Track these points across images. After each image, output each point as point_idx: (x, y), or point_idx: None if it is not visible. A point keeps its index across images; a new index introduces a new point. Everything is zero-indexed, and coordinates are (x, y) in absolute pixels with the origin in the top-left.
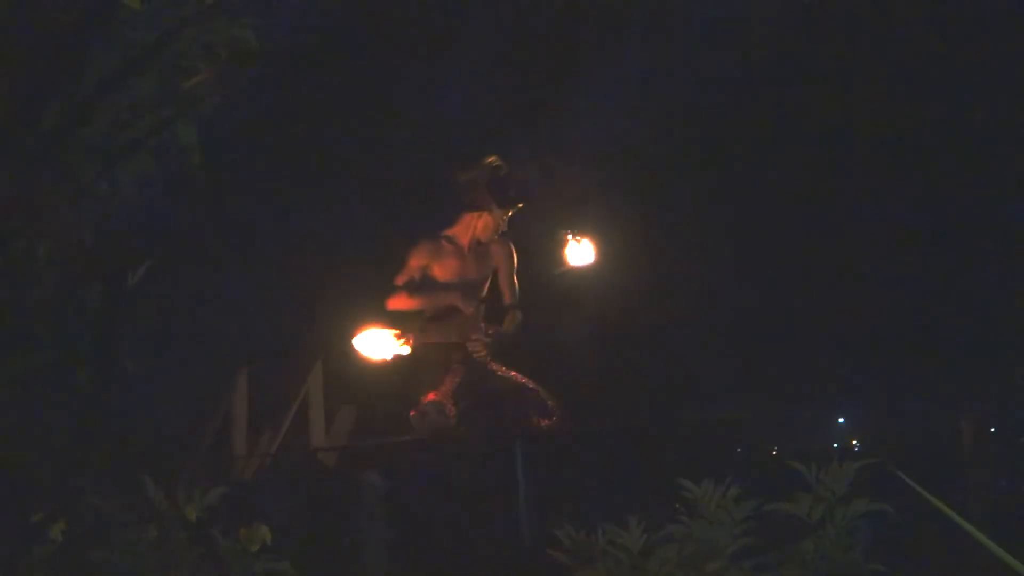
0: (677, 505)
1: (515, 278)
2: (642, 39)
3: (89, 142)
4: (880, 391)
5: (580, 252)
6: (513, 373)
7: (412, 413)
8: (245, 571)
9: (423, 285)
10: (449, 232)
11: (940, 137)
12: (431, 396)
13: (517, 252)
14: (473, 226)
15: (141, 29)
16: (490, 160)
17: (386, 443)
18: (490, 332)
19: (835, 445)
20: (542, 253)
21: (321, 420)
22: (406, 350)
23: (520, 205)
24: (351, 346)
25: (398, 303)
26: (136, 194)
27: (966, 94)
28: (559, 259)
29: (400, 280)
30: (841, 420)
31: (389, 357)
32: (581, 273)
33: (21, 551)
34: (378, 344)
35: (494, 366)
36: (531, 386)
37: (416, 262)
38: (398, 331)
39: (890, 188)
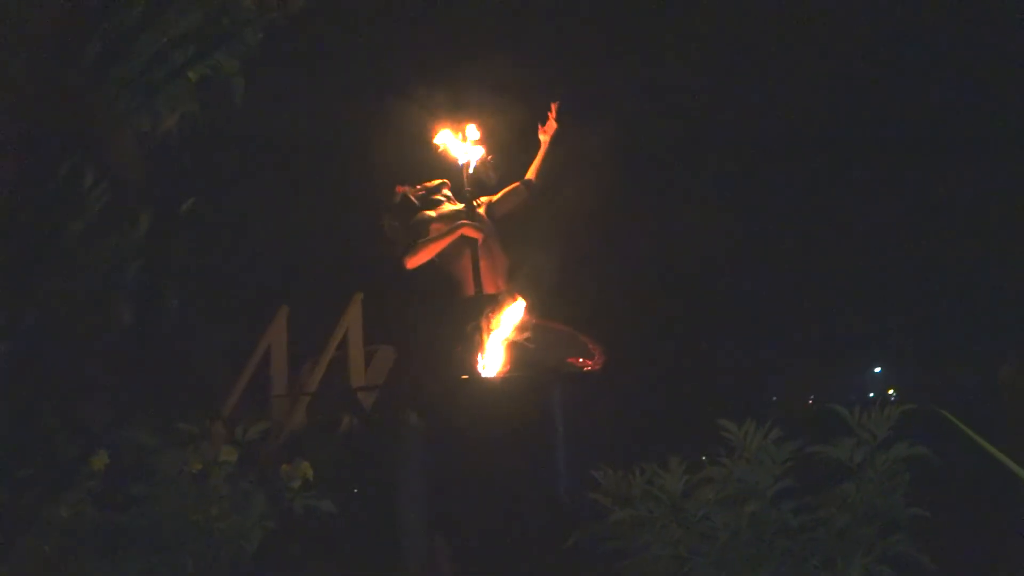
0: (719, 449)
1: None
2: None
3: (130, 75)
4: (918, 340)
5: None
6: (550, 322)
7: (458, 348)
8: (286, 506)
9: (430, 231)
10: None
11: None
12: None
13: None
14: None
15: None
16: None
17: (424, 383)
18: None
19: (871, 394)
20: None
21: (360, 360)
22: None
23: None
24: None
25: (417, 259)
26: (178, 129)
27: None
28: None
29: (411, 237)
30: (878, 370)
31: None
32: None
33: (61, 484)
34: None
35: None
36: (570, 332)
37: (421, 216)
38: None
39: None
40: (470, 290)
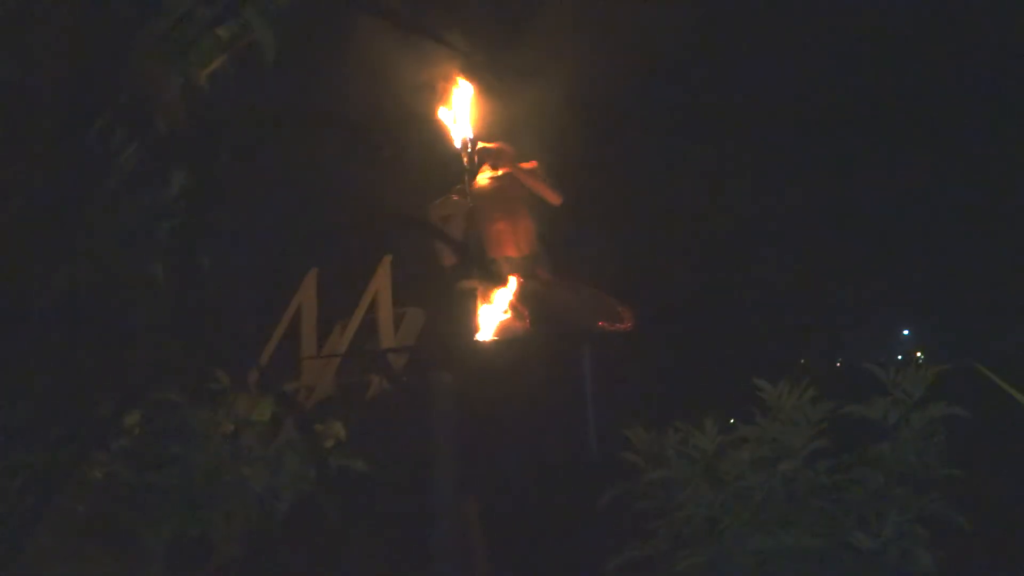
0: (752, 408)
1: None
2: None
3: (160, 31)
4: (947, 302)
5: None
6: (578, 283)
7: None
8: (320, 466)
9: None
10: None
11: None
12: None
13: None
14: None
15: None
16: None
17: (454, 344)
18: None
19: (899, 357)
20: None
21: (390, 321)
22: None
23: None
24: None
25: (449, 256)
26: (210, 88)
27: None
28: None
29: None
30: (906, 332)
31: None
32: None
33: (96, 443)
34: None
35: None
36: (599, 293)
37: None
38: None
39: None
40: (491, 253)
